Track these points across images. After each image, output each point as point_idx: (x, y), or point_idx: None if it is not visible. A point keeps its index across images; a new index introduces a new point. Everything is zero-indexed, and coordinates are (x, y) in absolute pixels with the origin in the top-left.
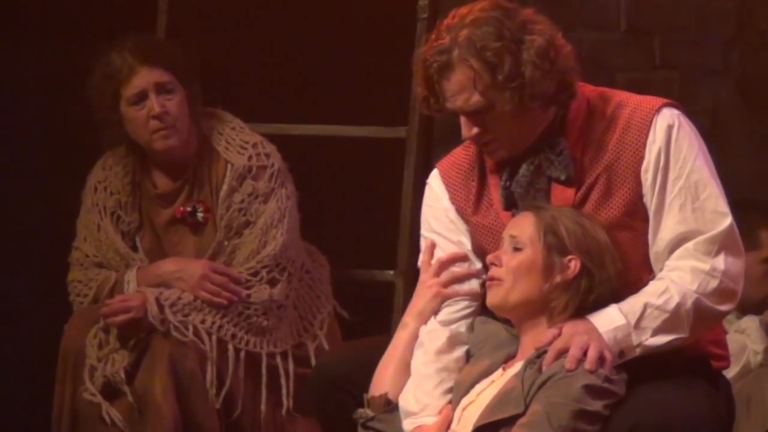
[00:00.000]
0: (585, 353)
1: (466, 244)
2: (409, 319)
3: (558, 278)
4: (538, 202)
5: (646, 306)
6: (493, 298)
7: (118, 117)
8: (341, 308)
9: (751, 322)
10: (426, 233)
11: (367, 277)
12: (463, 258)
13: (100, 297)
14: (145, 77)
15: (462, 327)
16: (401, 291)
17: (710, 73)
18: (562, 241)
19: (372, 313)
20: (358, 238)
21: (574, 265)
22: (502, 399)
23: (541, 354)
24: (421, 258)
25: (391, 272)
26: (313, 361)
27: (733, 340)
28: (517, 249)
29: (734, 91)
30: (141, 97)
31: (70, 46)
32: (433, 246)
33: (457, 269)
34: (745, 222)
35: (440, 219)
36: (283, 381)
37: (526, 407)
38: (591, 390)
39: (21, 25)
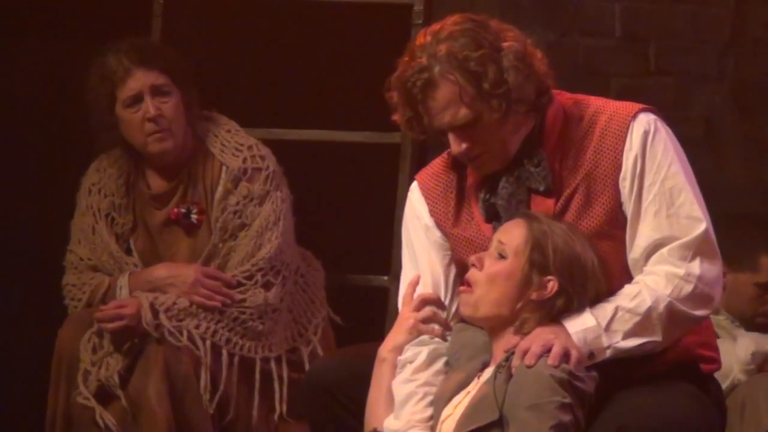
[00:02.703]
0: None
1: (440, 266)
2: (386, 353)
3: (533, 296)
4: (533, 212)
5: (617, 309)
6: (464, 309)
7: (114, 119)
8: (334, 313)
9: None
10: (406, 250)
11: (361, 282)
12: (439, 302)
13: (93, 301)
14: (140, 79)
15: (439, 342)
16: (395, 296)
17: (705, 79)
18: (546, 261)
19: (366, 318)
20: (352, 243)
21: (551, 286)
22: (475, 407)
23: (509, 357)
24: (402, 291)
25: (385, 277)
26: (307, 366)
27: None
28: (501, 257)
29: (729, 98)
30: (136, 100)
31: (65, 48)
32: (415, 281)
33: (436, 308)
34: (748, 240)
35: (419, 237)
36: (276, 386)
37: (501, 413)
38: (558, 382)
39: (16, 27)
